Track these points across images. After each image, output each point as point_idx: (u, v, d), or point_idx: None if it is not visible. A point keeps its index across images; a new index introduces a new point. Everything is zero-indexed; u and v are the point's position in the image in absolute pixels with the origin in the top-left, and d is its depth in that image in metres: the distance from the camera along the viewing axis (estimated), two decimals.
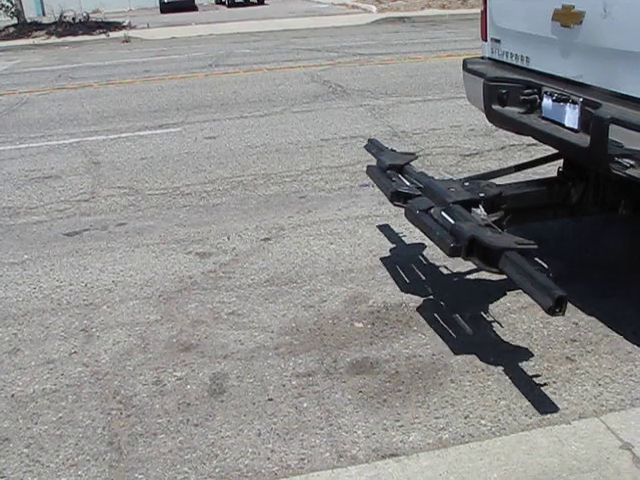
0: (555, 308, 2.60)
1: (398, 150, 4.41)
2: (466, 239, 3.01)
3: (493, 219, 3.59)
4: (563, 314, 2.65)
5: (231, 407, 3.06)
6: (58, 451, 2.86)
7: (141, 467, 2.74)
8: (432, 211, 3.38)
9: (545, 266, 2.92)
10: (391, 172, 3.96)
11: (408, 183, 3.83)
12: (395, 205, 3.73)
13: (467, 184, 3.74)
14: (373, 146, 4.49)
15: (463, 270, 4.21)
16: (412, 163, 4.12)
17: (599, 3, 3.08)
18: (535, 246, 3.06)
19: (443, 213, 3.34)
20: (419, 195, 3.60)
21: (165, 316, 3.92)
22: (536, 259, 4.31)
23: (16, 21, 23.57)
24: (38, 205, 6.01)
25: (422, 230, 3.41)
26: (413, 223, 3.49)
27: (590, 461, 2.57)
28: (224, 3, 35.51)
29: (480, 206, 3.52)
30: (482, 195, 3.59)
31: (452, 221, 3.23)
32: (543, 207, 3.95)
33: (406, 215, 3.54)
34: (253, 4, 34.25)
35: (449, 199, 3.43)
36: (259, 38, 18.39)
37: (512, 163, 4.90)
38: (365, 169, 4.24)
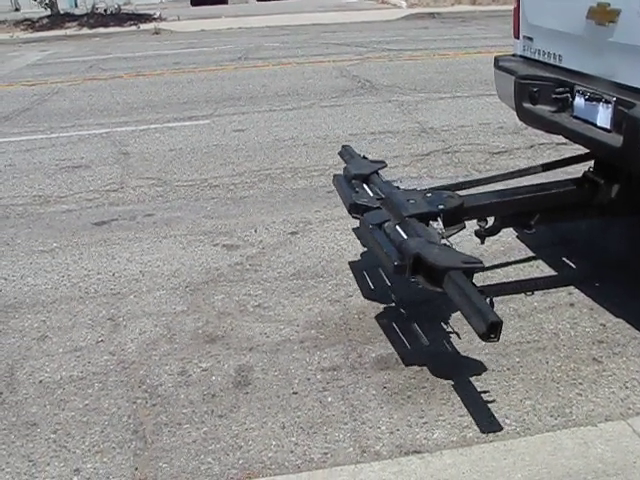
0: (489, 334, 2.54)
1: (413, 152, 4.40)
2: (410, 257, 2.95)
3: (453, 231, 3.55)
4: (497, 340, 2.58)
5: (255, 399, 3.08)
6: (84, 437, 2.90)
7: (165, 456, 2.77)
8: (386, 225, 3.32)
9: (482, 291, 2.80)
10: (356, 182, 3.90)
11: (371, 193, 3.76)
12: (353, 217, 3.65)
13: (429, 195, 3.65)
14: (346, 153, 4.43)
15: (497, 268, 4.19)
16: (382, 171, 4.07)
17: (635, 1, 3.04)
18: (481, 265, 3.01)
19: (397, 227, 3.29)
20: (377, 207, 3.53)
21: (191, 307, 3.95)
22: (564, 259, 4.29)
23: (49, 12, 23.81)
24: (68, 194, 6.08)
25: (371, 245, 3.34)
26: (363, 238, 3.44)
27: (616, 465, 2.55)
28: None
29: (439, 219, 3.45)
30: (441, 207, 3.51)
31: (404, 236, 3.18)
32: (572, 207, 3.90)
33: (359, 228, 3.49)
34: None
35: (405, 212, 3.38)
36: (288, 32, 18.39)
37: (541, 162, 4.84)
38: (332, 177, 4.18)
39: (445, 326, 3.60)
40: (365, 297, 3.94)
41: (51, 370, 3.40)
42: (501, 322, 2.55)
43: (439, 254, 2.99)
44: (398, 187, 3.96)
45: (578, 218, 4.10)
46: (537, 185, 3.94)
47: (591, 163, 4.05)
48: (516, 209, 3.87)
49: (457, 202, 3.60)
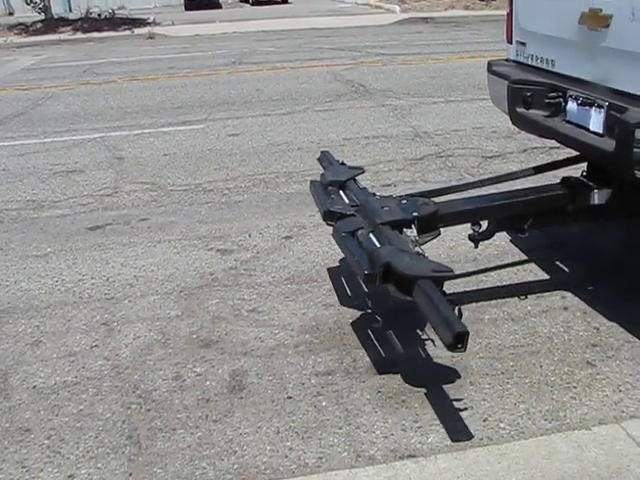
0: (456, 344, 2.52)
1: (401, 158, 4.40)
2: (381, 265, 2.94)
3: (428, 239, 3.55)
4: (464, 350, 2.57)
5: (250, 404, 3.08)
6: (78, 443, 2.89)
7: (160, 461, 2.76)
8: (359, 233, 3.31)
9: (451, 300, 2.79)
10: (332, 189, 3.88)
11: (347, 200, 3.74)
12: (328, 224, 3.63)
13: (404, 202, 3.63)
14: (325, 159, 4.41)
15: (488, 269, 4.20)
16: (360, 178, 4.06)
17: (627, 7, 3.06)
18: (451, 273, 3.00)
19: (371, 235, 3.27)
20: (352, 215, 3.52)
21: (186, 312, 3.95)
22: (557, 263, 4.30)
23: (43, 17, 23.81)
24: (62, 199, 6.07)
25: (344, 253, 3.32)
26: (338, 245, 3.43)
27: (610, 468, 2.55)
28: (248, 1, 35.65)
29: (413, 226, 3.44)
30: (415, 214, 3.49)
31: (377, 244, 3.17)
32: (563, 211, 3.89)
33: (333, 236, 3.49)
34: (277, 3, 34.33)
35: (378, 220, 3.37)
36: (282, 36, 18.42)
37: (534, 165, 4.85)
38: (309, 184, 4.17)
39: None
40: (360, 301, 3.94)
41: (45, 375, 3.39)
42: (467, 332, 2.54)
43: (409, 263, 2.97)
44: (374, 194, 3.93)
45: (571, 222, 4.10)
46: (515, 191, 3.93)
47: (583, 167, 4.07)
48: (492, 216, 3.87)
49: (432, 209, 3.58)
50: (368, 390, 3.13)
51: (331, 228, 3.55)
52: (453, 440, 2.78)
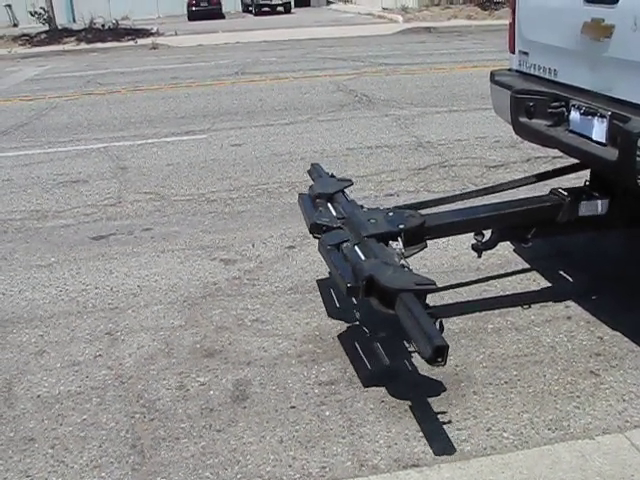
0: (436, 358, 2.51)
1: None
2: (364, 279, 2.93)
3: (414, 251, 3.54)
4: (444, 364, 2.57)
5: (254, 414, 3.08)
6: (82, 452, 2.89)
7: (163, 471, 2.76)
8: (344, 246, 3.30)
9: (433, 314, 2.80)
10: (320, 201, 3.88)
11: (334, 213, 3.74)
12: (314, 237, 3.62)
13: (391, 214, 3.63)
14: (314, 171, 4.41)
15: (492, 279, 4.21)
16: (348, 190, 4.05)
17: (629, 17, 3.08)
18: (434, 286, 2.99)
19: (356, 248, 3.27)
20: (338, 227, 3.51)
21: (189, 321, 3.96)
22: (561, 272, 4.30)
23: (47, 28, 23.94)
24: (65, 209, 6.09)
25: (328, 266, 3.31)
26: (323, 258, 3.43)
27: (614, 477, 2.54)
28: (251, 12, 35.80)
29: (399, 239, 3.43)
30: (402, 227, 3.48)
31: (362, 257, 3.16)
32: (552, 223, 3.83)
33: (318, 249, 3.49)
34: (280, 13, 34.49)
35: (364, 232, 3.36)
36: (286, 47, 18.49)
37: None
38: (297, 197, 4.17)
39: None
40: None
41: (49, 385, 3.40)
42: (447, 346, 2.52)
43: (392, 276, 2.96)
44: (362, 206, 3.92)
45: (575, 232, 4.11)
46: (503, 203, 3.93)
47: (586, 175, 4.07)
48: (479, 228, 3.87)
49: (418, 221, 3.56)
50: (371, 399, 3.13)
51: None
52: (456, 449, 2.77)
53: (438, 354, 2.51)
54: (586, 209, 3.75)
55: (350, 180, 4.22)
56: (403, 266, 3.22)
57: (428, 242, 4.31)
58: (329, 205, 3.86)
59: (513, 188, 4.34)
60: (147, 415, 3.12)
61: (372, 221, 3.51)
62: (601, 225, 3.91)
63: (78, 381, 3.42)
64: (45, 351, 3.72)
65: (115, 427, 3.04)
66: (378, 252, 3.21)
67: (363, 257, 3.18)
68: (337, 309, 4.01)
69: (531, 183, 4.35)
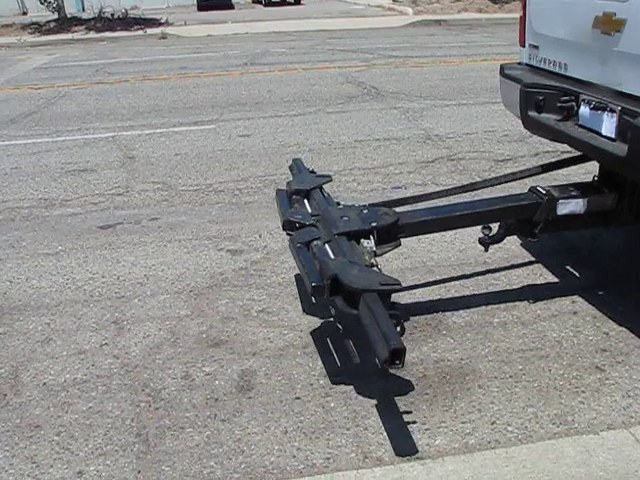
0: (392, 360, 2.48)
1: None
2: (328, 278, 2.91)
3: (388, 249, 3.51)
4: (402, 366, 2.54)
5: (258, 404, 3.09)
6: (87, 440, 2.91)
7: (168, 460, 2.77)
8: (314, 244, 3.27)
9: (395, 315, 2.80)
10: (297, 197, 3.84)
11: (310, 210, 3.70)
12: (288, 235, 3.57)
13: (365, 212, 3.59)
14: (295, 166, 4.37)
15: (498, 273, 4.20)
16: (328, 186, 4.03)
17: None
18: (399, 286, 2.96)
19: (326, 246, 3.24)
20: (311, 225, 3.47)
21: (195, 311, 3.96)
22: (568, 267, 4.30)
23: (57, 16, 23.93)
24: (73, 197, 6.10)
25: (296, 264, 3.28)
26: (292, 256, 3.39)
27: (618, 473, 2.55)
28: (261, 2, 35.69)
29: (371, 237, 3.39)
30: (374, 225, 3.44)
31: (331, 255, 3.14)
32: (529, 222, 3.79)
33: (288, 247, 3.46)
34: (289, 4, 34.38)
35: (335, 230, 3.33)
36: (295, 38, 18.45)
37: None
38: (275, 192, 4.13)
39: (448, 334, 3.60)
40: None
41: (55, 373, 3.42)
42: (404, 349, 2.50)
43: (357, 275, 2.93)
44: (338, 203, 3.88)
45: (582, 227, 4.09)
46: (480, 201, 3.92)
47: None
48: (454, 226, 3.86)
49: (392, 219, 3.52)
50: (376, 392, 3.13)
51: None
52: (461, 443, 2.78)
53: (395, 356, 2.48)
54: (565, 208, 3.70)
55: (329, 176, 4.16)
56: (372, 265, 3.19)
57: (434, 235, 4.32)
58: (305, 202, 3.82)
59: (491, 185, 4.32)
60: (152, 404, 3.13)
61: (345, 218, 3.47)
62: (610, 221, 3.90)
63: (84, 369, 3.43)
64: (51, 339, 3.74)
65: (120, 415, 3.06)
66: (347, 251, 3.17)
67: (332, 255, 3.15)
68: (438, 287, 4.07)
69: (558, 168, 4.33)
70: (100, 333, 3.78)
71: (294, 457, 2.75)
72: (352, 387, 3.16)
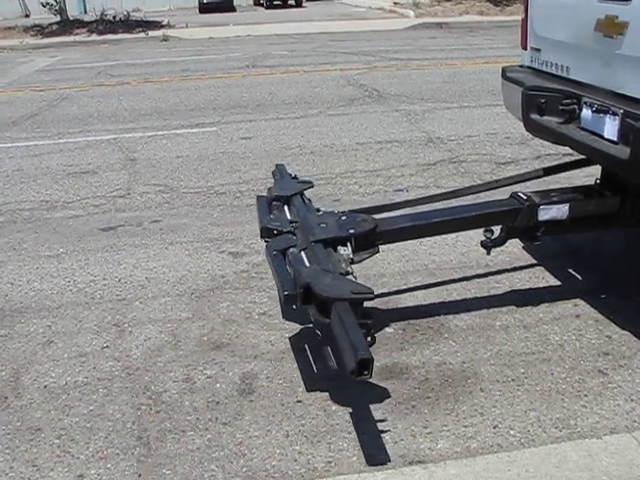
0: (359, 371, 2.46)
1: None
2: (301, 287, 2.89)
3: (365, 256, 3.48)
4: (370, 377, 2.51)
5: (260, 407, 3.08)
6: (88, 443, 2.90)
7: (169, 463, 2.77)
8: (290, 251, 3.24)
9: (366, 324, 2.77)
10: (277, 204, 3.81)
11: (289, 216, 3.68)
12: (265, 242, 3.55)
13: (344, 218, 3.55)
14: (277, 172, 4.33)
15: (500, 276, 4.20)
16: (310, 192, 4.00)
17: None
18: (371, 296, 2.94)
19: (302, 254, 3.21)
20: (288, 232, 3.45)
21: (197, 314, 3.96)
22: (570, 270, 4.29)
23: (59, 19, 23.95)
24: (75, 200, 6.10)
25: (272, 273, 3.25)
26: (268, 264, 3.35)
27: (621, 478, 2.54)
28: (262, 5, 35.69)
29: (348, 244, 3.37)
30: (352, 231, 3.41)
31: (307, 263, 3.11)
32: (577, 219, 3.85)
33: (265, 254, 3.42)
34: (291, 6, 34.37)
35: (312, 237, 3.31)
36: (296, 40, 18.46)
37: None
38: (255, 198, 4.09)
39: (450, 337, 3.60)
40: (371, 306, 3.93)
41: (56, 375, 3.41)
42: (371, 359, 2.48)
43: (329, 284, 2.91)
44: (318, 209, 3.84)
45: (585, 231, 4.08)
46: (460, 207, 3.90)
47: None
48: (433, 233, 3.85)
49: (369, 226, 3.49)
50: (378, 395, 3.12)
51: None
52: (463, 446, 2.77)
53: (363, 367, 2.45)
54: (546, 214, 3.68)
55: (311, 182, 4.13)
56: (348, 273, 3.16)
57: (436, 238, 4.30)
58: (285, 208, 3.78)
59: (538, 178, 4.32)
60: (153, 407, 3.12)
61: (322, 225, 3.44)
62: (613, 223, 3.89)
63: (85, 372, 3.43)
64: (53, 341, 3.73)
65: (121, 418, 3.05)
66: (322, 258, 3.15)
67: (307, 263, 3.12)
68: (440, 291, 4.07)
69: (561, 171, 4.35)
70: (101, 336, 3.77)
71: (295, 461, 2.75)
72: (353, 391, 3.15)
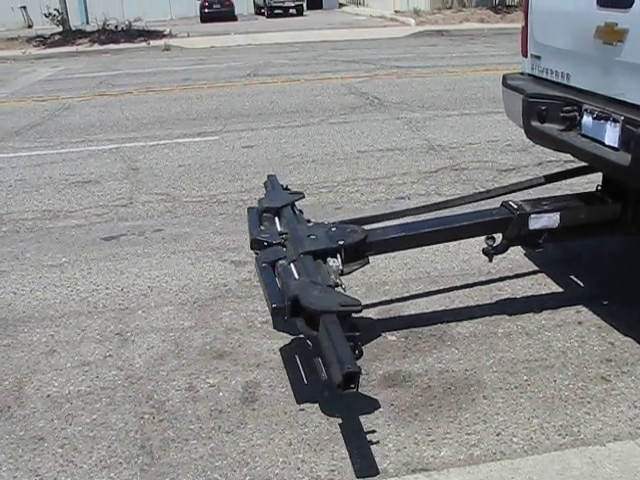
0: (346, 384, 2.45)
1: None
2: (289, 299, 2.88)
3: (355, 267, 3.47)
4: (356, 390, 2.51)
5: (263, 416, 3.08)
6: (91, 452, 2.90)
7: (172, 472, 2.76)
8: (279, 263, 3.23)
9: (353, 337, 2.76)
10: (267, 215, 3.80)
11: (280, 228, 3.67)
12: (256, 254, 3.52)
13: (333, 230, 3.54)
14: (269, 183, 4.32)
15: (502, 283, 4.20)
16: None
17: None
18: (359, 308, 2.92)
19: (291, 265, 3.20)
20: (278, 244, 3.44)
21: (199, 323, 3.96)
22: (572, 277, 4.29)
23: (61, 29, 24.07)
24: (77, 209, 6.11)
25: (261, 285, 3.24)
26: (257, 276, 3.33)
27: None
28: (263, 14, 35.88)
29: (338, 255, 3.36)
30: (341, 243, 3.40)
31: (295, 275, 3.10)
32: (579, 225, 3.84)
33: (255, 267, 3.41)
34: (292, 15, 34.53)
35: (301, 249, 3.30)
36: (297, 49, 18.52)
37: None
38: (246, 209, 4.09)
39: (453, 344, 3.60)
40: (373, 314, 3.94)
41: (59, 384, 3.41)
42: (358, 373, 2.47)
43: (317, 296, 2.90)
44: (309, 220, 3.83)
45: (587, 237, 4.08)
46: (450, 217, 3.89)
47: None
48: (423, 243, 3.83)
49: (359, 237, 3.48)
50: (381, 403, 3.12)
51: None
52: (466, 454, 2.76)
53: (349, 380, 2.45)
54: (537, 223, 3.67)
55: (302, 193, 4.12)
56: (337, 284, 3.15)
57: (438, 245, 4.29)
58: (276, 219, 3.78)
59: (539, 185, 4.31)
60: (156, 416, 3.12)
61: (312, 237, 3.43)
62: (614, 231, 3.89)
63: (88, 381, 3.43)
64: (55, 351, 3.74)
65: (124, 427, 3.05)
66: (311, 270, 3.14)
67: (297, 275, 3.11)
68: (444, 298, 4.06)
69: (562, 179, 4.37)
70: (104, 345, 3.77)
71: (298, 469, 2.74)
72: (355, 399, 3.15)
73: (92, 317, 4.10)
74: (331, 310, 2.83)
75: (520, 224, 3.65)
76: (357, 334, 2.84)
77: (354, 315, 2.96)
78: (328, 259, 3.34)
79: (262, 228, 3.69)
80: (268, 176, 4.49)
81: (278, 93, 11.55)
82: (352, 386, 2.47)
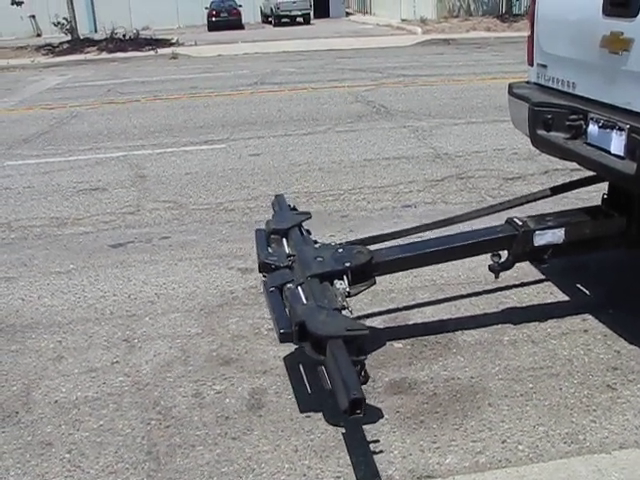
0: (352, 410, 2.45)
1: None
2: (296, 324, 2.88)
3: (362, 288, 3.48)
4: (363, 415, 2.49)
5: (269, 422, 3.09)
6: (98, 458, 2.91)
7: (178, 478, 2.78)
8: (287, 287, 3.23)
9: (359, 361, 2.77)
10: (275, 237, 3.78)
11: (287, 250, 3.66)
12: (264, 277, 3.51)
13: (340, 251, 3.53)
14: (276, 203, 4.30)
15: (508, 291, 4.20)
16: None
17: None
18: (365, 332, 2.91)
19: (299, 289, 3.19)
20: (285, 266, 3.42)
21: (206, 330, 3.98)
22: (578, 285, 4.29)
23: (70, 37, 24.23)
24: (85, 216, 6.15)
25: (269, 310, 3.24)
26: (266, 300, 3.33)
27: None
28: (270, 22, 36.01)
29: (345, 277, 3.36)
30: (348, 265, 3.39)
31: (303, 299, 3.10)
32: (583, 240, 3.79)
33: (263, 291, 3.41)
34: (299, 24, 34.65)
35: (308, 272, 3.29)
36: (304, 57, 18.58)
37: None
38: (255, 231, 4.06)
39: (459, 352, 3.60)
40: (379, 322, 3.95)
41: (66, 390, 3.43)
42: (363, 399, 2.47)
43: (323, 321, 2.90)
44: (316, 241, 3.81)
45: (593, 251, 4.06)
46: (455, 235, 3.88)
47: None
48: (429, 263, 3.83)
49: (365, 258, 3.48)
50: (387, 410, 3.13)
51: None
52: (471, 461, 2.77)
53: (355, 407, 2.45)
54: (542, 239, 3.67)
55: (309, 214, 4.09)
56: (344, 307, 3.14)
57: None
58: (284, 241, 3.77)
59: (545, 197, 4.30)
60: (163, 422, 3.14)
61: (319, 259, 3.43)
62: (620, 243, 3.88)
63: (95, 387, 3.45)
64: (63, 357, 3.76)
65: (131, 433, 3.06)
66: (317, 294, 3.13)
67: (304, 299, 3.11)
68: (449, 306, 4.08)
69: (570, 190, 4.37)
70: (111, 351, 3.79)
71: (304, 475, 2.75)
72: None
73: (99, 324, 4.12)
74: (337, 335, 2.83)
75: (525, 241, 3.66)
76: (363, 358, 2.85)
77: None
78: (335, 281, 3.33)
79: (270, 250, 3.68)
80: (275, 196, 4.49)
81: (285, 101, 11.59)
82: (358, 412, 2.47)
